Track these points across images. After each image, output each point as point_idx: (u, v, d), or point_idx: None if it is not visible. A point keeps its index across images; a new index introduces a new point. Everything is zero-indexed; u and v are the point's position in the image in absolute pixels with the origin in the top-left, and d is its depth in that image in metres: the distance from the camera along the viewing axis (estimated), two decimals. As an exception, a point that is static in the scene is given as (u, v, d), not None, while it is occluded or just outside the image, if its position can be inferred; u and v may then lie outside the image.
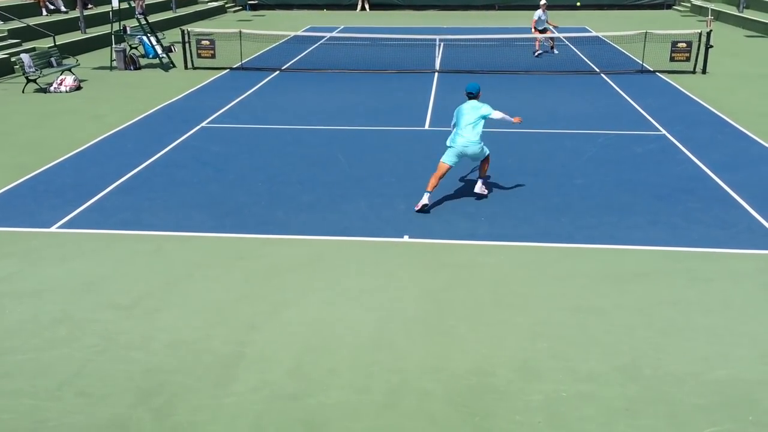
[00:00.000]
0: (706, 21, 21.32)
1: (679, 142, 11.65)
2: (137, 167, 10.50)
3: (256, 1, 37.00)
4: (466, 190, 9.51)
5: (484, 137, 8.95)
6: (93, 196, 9.29)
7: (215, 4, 35.03)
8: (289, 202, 9.12)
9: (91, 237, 8.06)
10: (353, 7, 36.53)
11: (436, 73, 18.22)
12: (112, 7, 19.29)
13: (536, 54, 20.98)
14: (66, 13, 23.96)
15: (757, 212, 8.57)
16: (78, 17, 22.69)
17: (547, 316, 6.27)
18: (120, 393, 5.25)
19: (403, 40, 22.86)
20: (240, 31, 19.87)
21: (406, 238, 7.98)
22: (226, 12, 35.24)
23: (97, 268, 7.27)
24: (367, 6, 36.27)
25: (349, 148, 11.49)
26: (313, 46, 23.26)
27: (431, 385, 5.32)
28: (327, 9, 36.60)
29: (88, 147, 11.64)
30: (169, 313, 6.37)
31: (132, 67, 19.00)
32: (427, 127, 12.90)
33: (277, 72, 18.57)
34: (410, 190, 9.47)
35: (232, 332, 6.06)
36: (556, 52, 21.44)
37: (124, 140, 12.08)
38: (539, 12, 20.85)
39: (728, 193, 9.27)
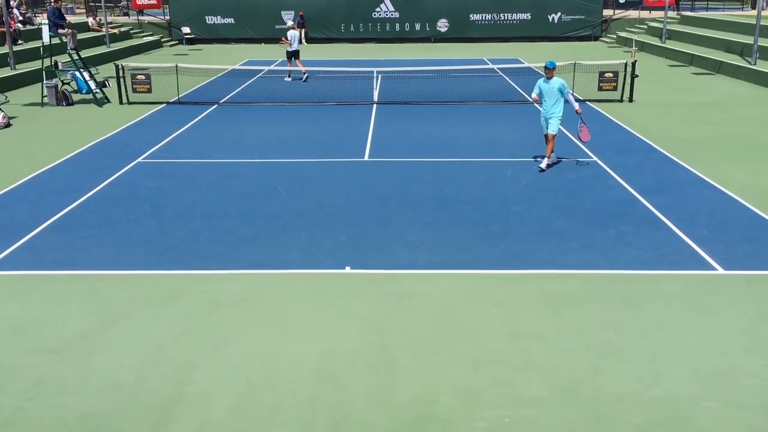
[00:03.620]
0: (631, 52, 22.26)
1: (609, 167, 12.06)
2: (70, 205, 10.22)
3: (192, 36, 36.82)
4: (406, 219, 9.58)
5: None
6: (23, 236, 8.98)
7: (151, 38, 34.69)
8: (229, 236, 9.02)
9: (22, 279, 7.78)
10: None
11: (375, 105, 18.43)
12: (43, 43, 18.89)
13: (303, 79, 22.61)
14: (-6, 48, 23.32)
15: (683, 233, 8.92)
16: (7, 53, 22.11)
17: (489, 343, 6.35)
18: (53, 440, 5.04)
19: (341, 72, 23.07)
20: (176, 65, 19.71)
21: (347, 270, 7.98)
22: (162, 46, 34.93)
23: (28, 310, 7.01)
24: (303, 39, 36.44)
25: (289, 181, 11.46)
26: (251, 80, 23.24)
27: (376, 417, 5.30)
28: (264, 43, 36.68)
29: (17, 185, 11.28)
30: (104, 355, 6.19)
31: (64, 103, 18.58)
32: (366, 158, 13.00)
33: (215, 106, 18.46)
34: (351, 221, 9.50)
35: (171, 371, 5.92)
36: (287, 79, 22.99)
37: (56, 177, 11.76)
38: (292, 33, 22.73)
39: (657, 215, 9.62)
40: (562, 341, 6.34)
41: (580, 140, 12.35)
